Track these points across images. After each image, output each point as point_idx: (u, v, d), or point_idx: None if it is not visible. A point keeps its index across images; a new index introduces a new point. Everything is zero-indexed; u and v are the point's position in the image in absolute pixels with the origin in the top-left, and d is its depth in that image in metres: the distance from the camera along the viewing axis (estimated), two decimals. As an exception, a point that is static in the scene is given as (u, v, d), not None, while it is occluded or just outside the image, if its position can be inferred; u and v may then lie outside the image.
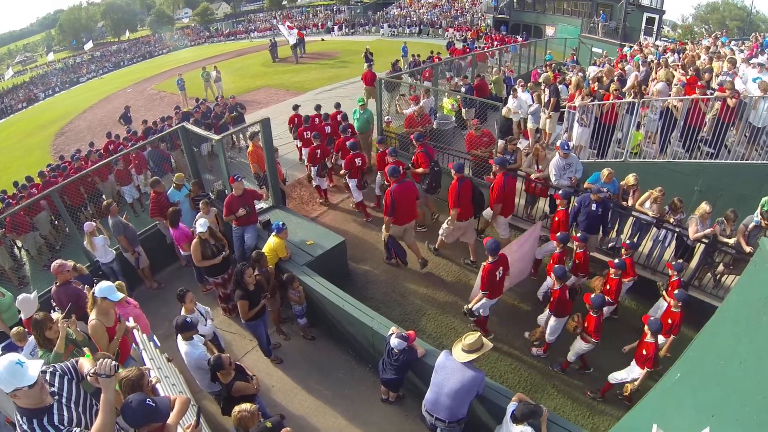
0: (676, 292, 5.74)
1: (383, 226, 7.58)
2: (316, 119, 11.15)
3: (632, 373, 5.54)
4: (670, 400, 2.68)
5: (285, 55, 31.30)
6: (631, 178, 7.55)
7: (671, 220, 7.15)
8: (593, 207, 7.03)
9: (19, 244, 10.14)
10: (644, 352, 5.27)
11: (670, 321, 5.69)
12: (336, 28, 44.40)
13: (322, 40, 40.08)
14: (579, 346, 5.95)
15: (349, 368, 6.47)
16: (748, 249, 6.49)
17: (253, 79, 26.37)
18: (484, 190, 7.92)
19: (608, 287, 6.30)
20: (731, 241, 6.75)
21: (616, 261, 6.26)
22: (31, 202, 8.70)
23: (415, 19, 42.32)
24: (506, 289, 6.85)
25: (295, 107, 12.23)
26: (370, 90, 14.79)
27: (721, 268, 7.08)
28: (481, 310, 6.42)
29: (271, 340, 6.64)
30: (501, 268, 6.10)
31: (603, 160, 9.54)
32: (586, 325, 5.77)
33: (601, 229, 7.29)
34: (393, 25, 41.34)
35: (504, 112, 11.11)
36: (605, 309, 6.12)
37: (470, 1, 46.16)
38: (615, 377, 5.76)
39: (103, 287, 4.74)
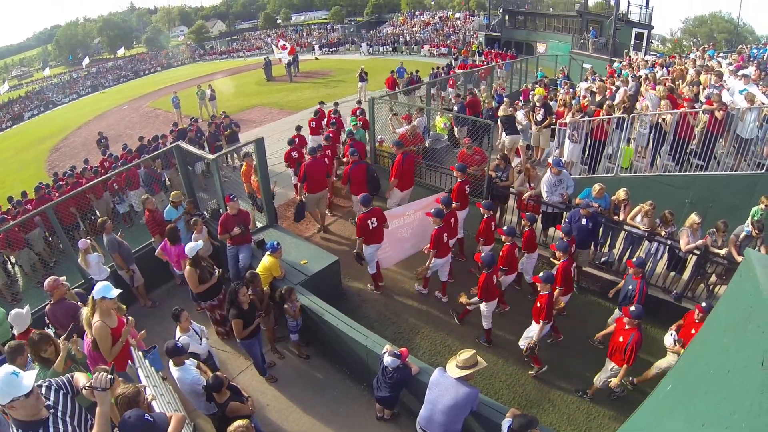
0: (632, 308, 5.40)
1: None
2: (296, 139, 11.23)
3: (530, 330, 6.13)
4: (662, 411, 2.70)
5: (279, 74, 31.62)
6: (621, 193, 7.62)
7: (662, 233, 7.22)
8: (584, 222, 7.11)
9: (13, 260, 10.09)
10: (538, 305, 5.70)
11: (621, 339, 5.41)
12: (317, 47, 45.59)
13: (316, 58, 40.88)
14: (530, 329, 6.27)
15: (343, 386, 6.44)
16: (739, 259, 6.53)
17: (247, 98, 26.59)
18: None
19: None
20: (723, 251, 6.81)
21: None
22: (25, 219, 8.66)
23: (409, 38, 43.17)
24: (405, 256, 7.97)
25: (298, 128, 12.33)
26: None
27: (713, 278, 7.14)
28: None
29: (266, 358, 6.62)
30: (374, 218, 7.18)
31: (594, 175, 9.66)
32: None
33: (592, 243, 7.35)
34: (370, 44, 44.36)
35: (501, 112, 11.28)
36: (563, 298, 6.64)
37: (462, 19, 46.98)
38: (600, 378, 5.87)
39: (101, 287, 4.77)
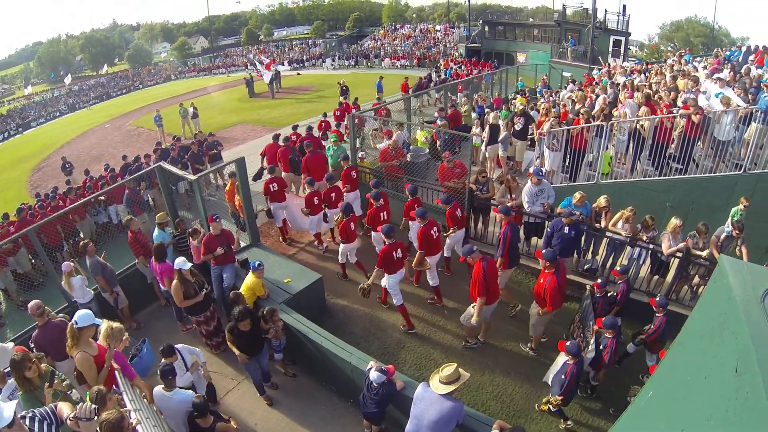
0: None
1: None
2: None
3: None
4: (643, 418, 2.73)
5: (261, 90, 31.65)
6: (602, 200, 7.72)
7: (644, 238, 7.32)
8: (566, 230, 7.16)
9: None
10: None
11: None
12: (286, 63, 45.66)
13: (298, 74, 41.14)
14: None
15: (330, 403, 6.42)
16: (722, 260, 6.65)
17: (230, 115, 26.54)
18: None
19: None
20: (704, 253, 6.92)
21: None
22: (6, 242, 8.51)
23: (390, 51, 43.82)
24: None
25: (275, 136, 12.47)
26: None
27: (697, 280, 7.25)
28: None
29: (270, 375, 6.62)
30: (399, 249, 7.06)
31: (575, 183, 9.77)
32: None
33: (575, 251, 7.43)
34: (334, 58, 46.30)
35: (491, 120, 11.40)
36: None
37: (443, 31, 47.59)
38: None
39: (81, 316, 4.69)
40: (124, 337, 5.29)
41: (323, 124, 14.77)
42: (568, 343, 5.44)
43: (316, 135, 13.24)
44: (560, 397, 5.38)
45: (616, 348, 5.77)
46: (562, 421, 5.81)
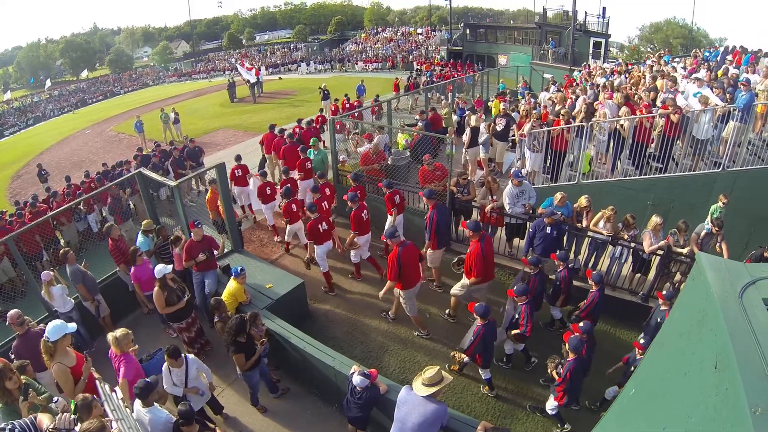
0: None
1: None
2: (237, 170, 11.03)
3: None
4: (626, 416, 2.76)
5: (243, 95, 31.44)
6: (583, 200, 7.79)
7: (625, 237, 7.41)
8: (548, 230, 7.22)
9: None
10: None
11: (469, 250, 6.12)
12: (264, 67, 45.76)
13: (280, 78, 40.98)
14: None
15: (315, 408, 6.38)
16: (702, 256, 6.75)
17: (211, 120, 26.30)
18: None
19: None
20: (685, 250, 7.03)
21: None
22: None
23: (371, 55, 44.00)
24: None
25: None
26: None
27: (678, 277, 7.32)
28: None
29: (277, 387, 6.57)
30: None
31: (557, 183, 9.86)
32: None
33: (558, 251, 7.48)
34: (309, 63, 47.09)
35: (473, 122, 11.45)
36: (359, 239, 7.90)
37: (425, 34, 47.81)
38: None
39: (52, 328, 4.62)
40: (132, 345, 5.30)
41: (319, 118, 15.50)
42: (476, 305, 5.75)
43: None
44: (465, 354, 5.99)
45: (531, 313, 6.03)
46: (558, 425, 5.83)
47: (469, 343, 5.80)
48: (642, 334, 6.02)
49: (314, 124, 14.16)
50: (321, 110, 17.32)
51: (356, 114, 14.47)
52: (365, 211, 8.14)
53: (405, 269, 6.55)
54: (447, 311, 7.69)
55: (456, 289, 7.15)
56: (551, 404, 5.60)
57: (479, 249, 6.48)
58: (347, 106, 17.88)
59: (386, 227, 6.91)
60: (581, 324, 5.61)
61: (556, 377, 5.45)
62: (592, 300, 6.30)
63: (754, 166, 8.97)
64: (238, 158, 11.07)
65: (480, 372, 6.21)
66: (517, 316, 6.06)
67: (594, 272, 6.47)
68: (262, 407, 6.42)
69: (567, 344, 5.31)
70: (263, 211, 10.28)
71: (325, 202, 9.10)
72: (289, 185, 9.19)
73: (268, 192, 9.92)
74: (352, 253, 8.60)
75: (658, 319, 6.00)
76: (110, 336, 5.18)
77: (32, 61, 69.47)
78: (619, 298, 7.53)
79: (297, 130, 13.24)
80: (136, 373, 5.22)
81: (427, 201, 7.62)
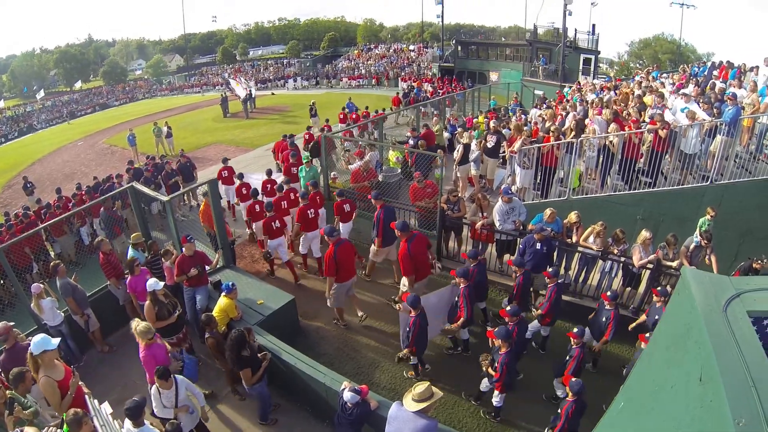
0: (508, 308, 6.01)
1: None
2: (224, 171, 12.21)
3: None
4: (615, 429, 2.78)
5: (236, 110, 31.39)
6: (573, 216, 7.83)
7: (615, 251, 7.47)
8: (538, 246, 7.27)
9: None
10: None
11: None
12: (253, 82, 45.93)
13: (272, 94, 41.14)
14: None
15: (306, 425, 6.33)
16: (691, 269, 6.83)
17: (204, 135, 26.27)
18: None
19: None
20: (675, 263, 7.09)
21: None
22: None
23: (364, 72, 44.42)
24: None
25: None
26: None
27: (669, 289, 7.38)
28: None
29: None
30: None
31: (547, 200, 9.94)
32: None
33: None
34: (295, 79, 47.84)
35: (465, 139, 11.53)
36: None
37: (417, 51, 48.27)
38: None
39: (38, 342, 4.58)
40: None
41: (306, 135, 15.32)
42: (408, 296, 6.15)
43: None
44: (409, 350, 6.25)
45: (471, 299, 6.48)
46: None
47: (409, 335, 6.17)
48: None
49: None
50: (309, 127, 17.18)
51: (350, 131, 14.58)
52: (311, 210, 8.90)
53: (341, 265, 7.15)
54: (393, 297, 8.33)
55: (402, 285, 7.59)
56: (496, 398, 5.93)
57: (406, 248, 6.96)
58: (353, 117, 18.42)
59: (326, 229, 7.34)
60: (508, 308, 5.94)
61: (493, 373, 5.68)
62: (549, 296, 6.68)
63: (742, 179, 9.13)
64: (225, 160, 12.50)
65: (412, 360, 6.64)
66: (456, 299, 6.55)
67: (551, 269, 6.73)
68: (273, 419, 6.36)
69: (496, 337, 5.59)
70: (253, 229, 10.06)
71: (287, 206, 9.80)
72: (256, 187, 10.25)
73: (244, 192, 10.58)
74: (301, 246, 9.35)
75: (656, 317, 6.21)
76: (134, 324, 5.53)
77: (26, 71, 69.07)
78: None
79: (306, 136, 14.13)
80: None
81: (375, 202, 8.17)
